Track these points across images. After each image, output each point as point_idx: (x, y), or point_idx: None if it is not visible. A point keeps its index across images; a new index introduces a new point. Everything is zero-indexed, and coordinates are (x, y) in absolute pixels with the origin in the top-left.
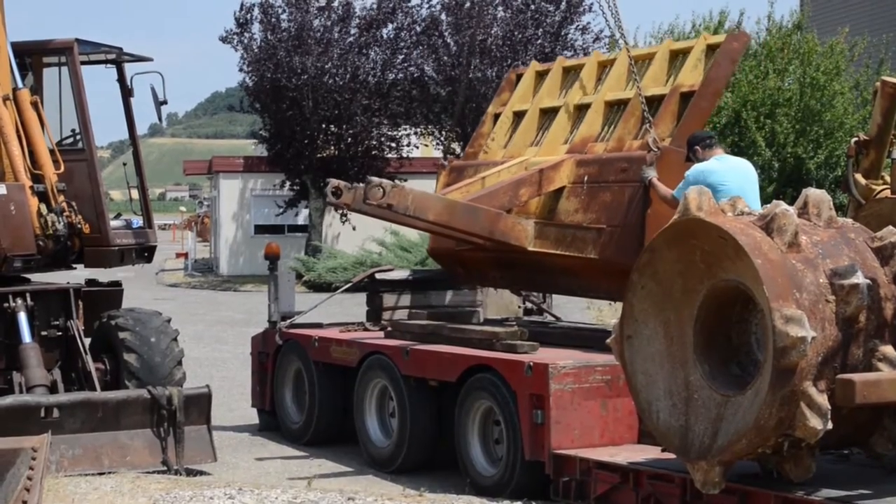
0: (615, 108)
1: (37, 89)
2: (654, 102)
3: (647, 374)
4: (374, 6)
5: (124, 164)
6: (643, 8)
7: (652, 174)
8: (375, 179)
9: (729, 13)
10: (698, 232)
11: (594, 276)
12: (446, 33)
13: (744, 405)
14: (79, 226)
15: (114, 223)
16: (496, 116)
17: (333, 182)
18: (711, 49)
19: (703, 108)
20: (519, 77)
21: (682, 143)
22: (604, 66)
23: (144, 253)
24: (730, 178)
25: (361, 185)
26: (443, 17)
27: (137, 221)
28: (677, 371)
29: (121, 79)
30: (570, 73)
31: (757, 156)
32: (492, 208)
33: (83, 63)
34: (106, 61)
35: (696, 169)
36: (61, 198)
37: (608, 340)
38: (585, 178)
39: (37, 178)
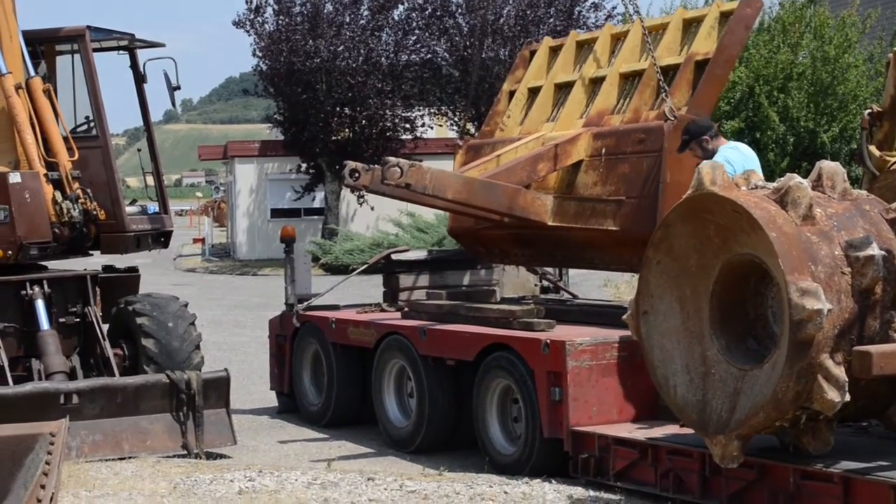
0: (630, 80)
1: (49, 77)
2: (668, 72)
3: (663, 349)
4: None
5: (139, 151)
6: None
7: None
8: (393, 159)
9: None
10: (712, 206)
11: (615, 248)
12: (458, 14)
13: (761, 379)
14: (94, 212)
15: (129, 209)
16: (511, 94)
17: (350, 164)
18: (725, 16)
19: (718, 76)
20: (532, 54)
21: (699, 111)
22: (617, 39)
23: (160, 238)
24: (751, 165)
25: (379, 166)
26: None
27: (153, 207)
28: (694, 346)
29: (133, 65)
30: (584, 48)
31: (770, 130)
32: (510, 184)
33: (95, 50)
34: (118, 48)
35: (726, 158)
36: (76, 185)
37: (624, 317)
38: (603, 151)
39: (51, 166)
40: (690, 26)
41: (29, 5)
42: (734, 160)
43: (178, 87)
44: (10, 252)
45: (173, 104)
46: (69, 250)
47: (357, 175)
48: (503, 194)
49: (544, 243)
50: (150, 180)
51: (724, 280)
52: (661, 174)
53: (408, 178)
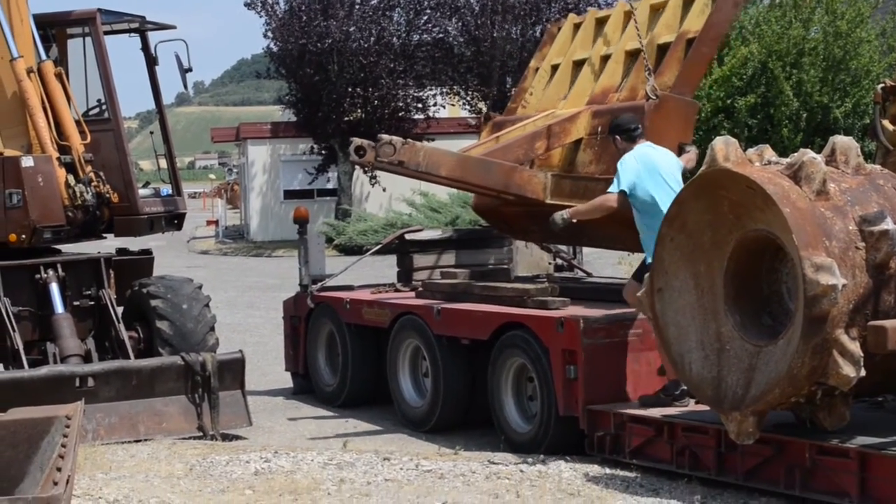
0: (634, 58)
1: (61, 61)
2: (666, 50)
3: (678, 326)
4: None
5: (151, 133)
6: None
7: (562, 215)
8: (386, 137)
9: None
10: (726, 182)
11: (607, 226)
12: None
13: (776, 355)
14: (107, 195)
15: (142, 192)
16: (537, 71)
17: (356, 141)
18: None
19: (704, 54)
20: (560, 31)
21: (683, 90)
22: (629, 16)
23: (174, 220)
24: (664, 162)
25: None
26: None
27: (167, 190)
28: (709, 322)
29: (145, 48)
30: (602, 25)
31: (784, 106)
32: (506, 162)
33: (106, 33)
34: (129, 30)
35: (631, 156)
36: (89, 168)
37: (639, 293)
38: (599, 129)
39: (64, 150)
40: (691, 4)
41: None
42: (628, 167)
43: (190, 69)
44: (23, 236)
45: (185, 86)
46: (83, 233)
47: (363, 152)
48: (499, 172)
49: (547, 221)
50: (163, 163)
51: (739, 256)
52: None
53: (401, 156)
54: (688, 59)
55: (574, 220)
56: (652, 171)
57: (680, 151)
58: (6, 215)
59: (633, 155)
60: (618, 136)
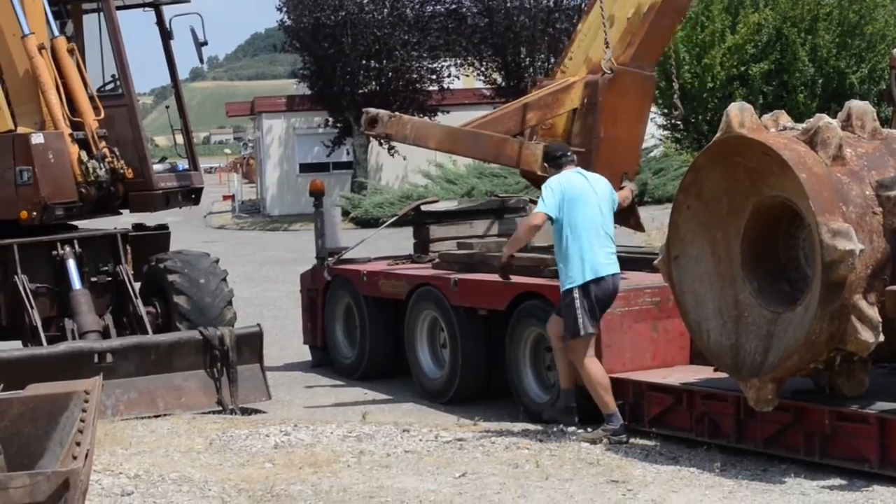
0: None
1: (76, 37)
2: None
3: (695, 294)
4: None
5: (167, 108)
6: None
7: (502, 260)
8: (373, 111)
9: None
10: (742, 149)
11: None
12: None
13: (794, 321)
14: (121, 171)
15: (158, 167)
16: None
17: (371, 111)
18: None
19: (664, 26)
20: None
21: (640, 63)
22: None
23: (191, 195)
24: (590, 191)
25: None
26: None
27: (183, 165)
28: (726, 290)
29: (160, 22)
30: None
31: (799, 72)
32: (496, 134)
33: (120, 8)
34: (143, 4)
35: (556, 180)
36: (102, 144)
37: (656, 262)
38: (585, 101)
39: (77, 126)
40: None
41: None
42: (550, 192)
43: (205, 43)
44: (34, 213)
45: (201, 60)
46: (97, 209)
47: (375, 123)
48: (488, 143)
49: None
50: (179, 138)
51: (755, 223)
52: (597, 128)
53: (387, 129)
54: (647, 31)
55: (512, 258)
56: (573, 200)
57: (621, 180)
58: (17, 192)
59: (557, 180)
60: (546, 164)
